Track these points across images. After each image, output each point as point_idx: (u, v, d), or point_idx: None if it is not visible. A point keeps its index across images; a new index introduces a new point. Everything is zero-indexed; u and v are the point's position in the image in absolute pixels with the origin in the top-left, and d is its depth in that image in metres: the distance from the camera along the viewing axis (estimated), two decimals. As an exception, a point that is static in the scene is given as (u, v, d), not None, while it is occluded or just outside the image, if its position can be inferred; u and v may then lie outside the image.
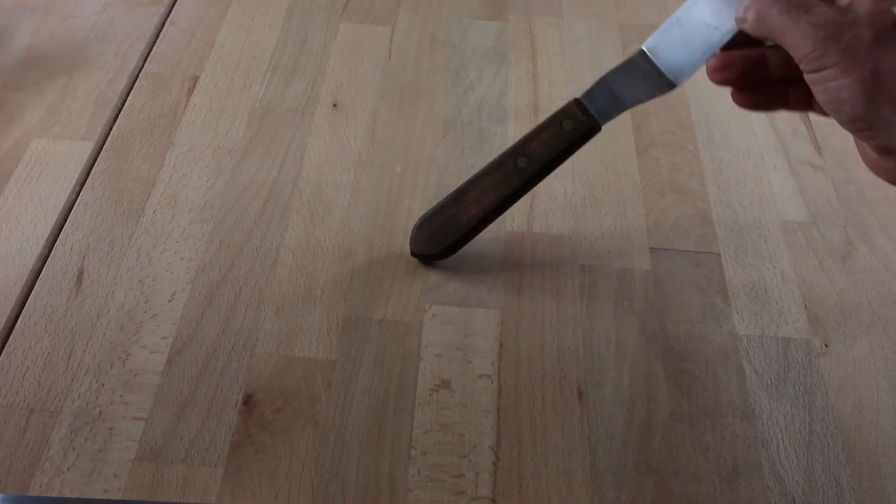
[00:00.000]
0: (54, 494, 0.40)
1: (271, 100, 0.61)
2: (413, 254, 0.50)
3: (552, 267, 0.51)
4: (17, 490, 0.40)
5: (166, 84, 0.61)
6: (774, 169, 0.58)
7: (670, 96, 0.62)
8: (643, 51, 0.43)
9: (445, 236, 0.49)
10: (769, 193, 0.56)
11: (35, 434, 0.42)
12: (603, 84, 0.45)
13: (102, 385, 0.44)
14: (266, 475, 0.41)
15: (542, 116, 0.61)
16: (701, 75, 0.65)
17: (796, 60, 0.36)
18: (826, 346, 0.48)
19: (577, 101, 0.46)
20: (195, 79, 0.62)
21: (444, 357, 0.46)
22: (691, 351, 0.47)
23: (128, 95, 0.60)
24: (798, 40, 0.35)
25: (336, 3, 0.70)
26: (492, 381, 0.45)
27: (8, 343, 0.45)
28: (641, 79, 0.44)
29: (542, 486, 0.41)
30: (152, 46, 0.65)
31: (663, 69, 0.43)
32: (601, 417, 0.44)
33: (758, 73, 0.40)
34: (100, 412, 0.43)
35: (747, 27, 0.38)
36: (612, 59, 0.66)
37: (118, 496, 0.40)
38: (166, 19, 0.67)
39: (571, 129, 0.46)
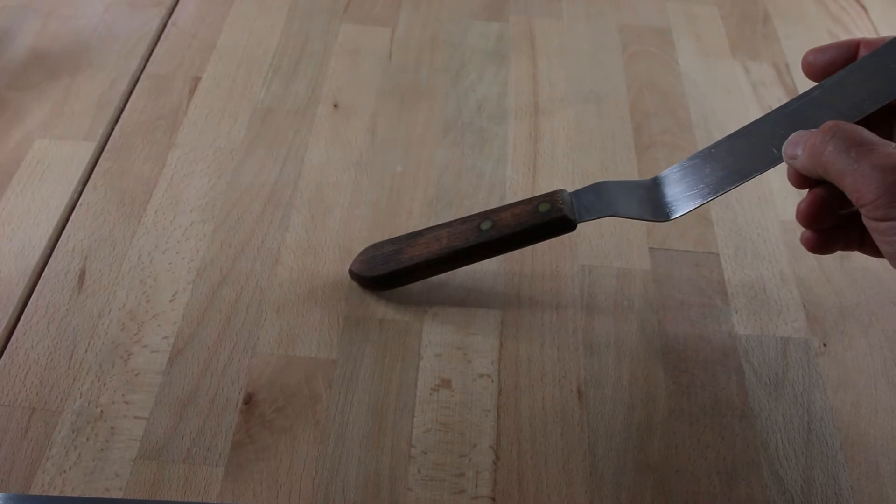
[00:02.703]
0: (56, 493, 0.40)
1: (272, 100, 0.61)
2: (350, 273, 0.49)
3: (552, 267, 0.51)
4: (19, 489, 0.40)
5: (168, 85, 0.62)
6: (773, 169, 0.58)
7: (670, 97, 0.63)
8: (658, 177, 0.43)
9: (382, 265, 0.48)
10: (768, 193, 0.56)
11: (37, 433, 0.42)
12: (599, 187, 0.45)
13: (104, 384, 0.44)
14: (267, 474, 0.41)
15: (542, 117, 0.61)
16: (701, 75, 0.65)
17: (856, 205, 0.32)
18: (825, 345, 0.48)
19: (564, 192, 0.45)
20: (196, 80, 0.62)
21: (444, 356, 0.46)
22: (690, 350, 0.47)
23: (129, 96, 0.61)
24: (860, 184, 0.32)
25: (337, 4, 0.70)
26: (492, 381, 0.45)
27: (10, 342, 0.46)
28: (639, 199, 0.43)
29: (542, 485, 0.41)
30: (154, 47, 0.65)
31: (664, 200, 0.42)
32: (601, 417, 0.44)
33: (833, 211, 0.37)
34: (101, 411, 0.43)
35: (798, 164, 0.35)
36: (612, 59, 0.66)
37: (119, 495, 0.40)
38: (168, 20, 0.67)
39: (545, 212, 0.44)
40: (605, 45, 0.68)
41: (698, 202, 0.41)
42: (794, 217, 0.54)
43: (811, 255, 0.52)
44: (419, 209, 0.54)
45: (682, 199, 0.42)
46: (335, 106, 0.61)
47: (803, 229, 0.38)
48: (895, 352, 0.48)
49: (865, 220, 0.33)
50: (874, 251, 0.36)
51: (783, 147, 0.37)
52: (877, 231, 0.32)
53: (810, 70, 0.39)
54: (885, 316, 0.49)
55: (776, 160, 0.39)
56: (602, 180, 0.45)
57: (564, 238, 0.52)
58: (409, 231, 0.49)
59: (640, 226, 0.53)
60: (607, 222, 0.53)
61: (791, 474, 0.42)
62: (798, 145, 0.35)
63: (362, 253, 0.49)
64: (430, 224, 0.51)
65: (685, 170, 0.42)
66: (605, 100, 0.63)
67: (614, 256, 0.52)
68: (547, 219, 0.44)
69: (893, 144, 0.32)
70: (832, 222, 0.37)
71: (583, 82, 0.64)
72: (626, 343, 0.47)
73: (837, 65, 0.38)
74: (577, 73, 0.65)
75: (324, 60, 0.64)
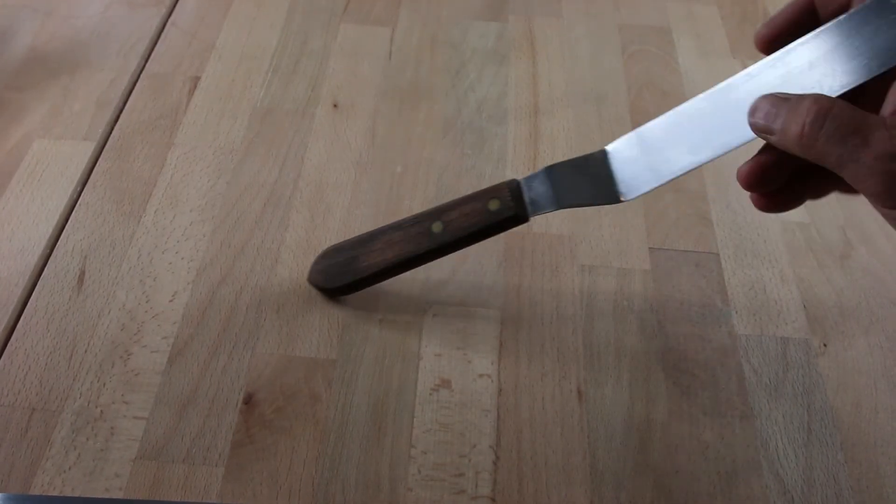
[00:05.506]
0: (56, 493, 0.40)
1: (272, 100, 0.61)
2: (309, 282, 0.49)
3: (552, 267, 0.51)
4: (19, 489, 0.40)
5: (167, 85, 0.61)
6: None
7: (670, 97, 0.63)
8: (605, 151, 0.40)
9: (340, 275, 0.47)
10: (768, 194, 0.56)
11: (37, 433, 0.42)
12: (548, 173, 0.42)
13: (104, 384, 0.44)
14: (267, 474, 0.41)
15: (542, 117, 0.61)
16: (701, 75, 0.65)
17: (858, 190, 0.31)
18: (825, 345, 0.48)
19: (513, 183, 0.43)
20: (196, 79, 0.62)
21: (444, 357, 0.46)
22: (690, 350, 0.47)
23: (129, 96, 0.61)
24: (863, 176, 0.30)
25: (336, 4, 0.70)
26: (492, 381, 0.45)
27: (10, 343, 0.46)
28: (590, 180, 0.40)
29: (542, 486, 0.41)
30: (153, 47, 0.65)
31: (617, 178, 0.39)
32: (601, 417, 0.44)
33: (781, 175, 0.35)
34: (101, 411, 0.43)
35: (777, 142, 0.33)
36: (612, 59, 0.66)
37: (119, 495, 0.40)
38: (167, 20, 0.67)
39: (496, 210, 0.43)
40: (605, 45, 0.68)
41: (657, 182, 0.38)
42: (794, 217, 0.55)
43: (811, 255, 0.52)
44: (419, 209, 0.53)
45: (638, 176, 0.39)
46: (335, 106, 0.61)
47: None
48: (895, 352, 0.48)
49: (875, 207, 0.31)
50: (846, 189, 0.34)
51: (748, 114, 0.34)
52: (890, 217, 0.31)
53: (765, 42, 0.36)
54: (885, 316, 0.49)
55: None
56: (550, 164, 0.42)
57: (564, 238, 0.52)
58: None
59: (640, 226, 0.53)
60: (607, 222, 0.53)
61: (791, 474, 0.42)
62: (775, 117, 0.32)
63: (317, 262, 0.49)
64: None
65: (643, 141, 0.38)
66: (605, 100, 0.63)
67: (614, 256, 0.52)
68: (497, 219, 0.43)
69: (883, 120, 0.31)
70: (780, 185, 0.36)
71: (583, 82, 0.64)
72: (626, 343, 0.47)
73: (794, 26, 0.35)
74: (577, 73, 0.65)
75: (323, 60, 0.64)
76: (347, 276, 0.47)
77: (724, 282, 0.51)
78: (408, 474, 0.42)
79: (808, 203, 0.55)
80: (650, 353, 0.47)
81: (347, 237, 0.52)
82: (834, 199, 0.56)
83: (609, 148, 0.40)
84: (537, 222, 0.53)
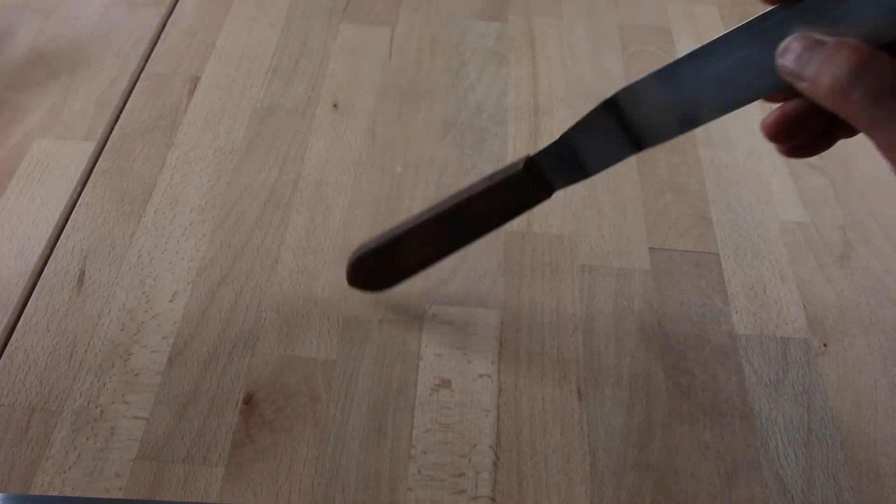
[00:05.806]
0: (56, 493, 0.40)
1: (272, 100, 0.61)
2: (352, 286, 0.49)
3: (552, 267, 0.51)
4: (19, 489, 0.40)
5: (167, 85, 0.62)
6: (773, 169, 0.58)
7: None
8: (615, 100, 0.35)
9: (380, 279, 0.48)
10: (768, 194, 0.56)
11: (37, 433, 0.42)
12: (564, 142, 0.38)
13: (104, 384, 0.44)
14: (267, 474, 0.41)
15: (542, 117, 0.61)
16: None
17: (884, 157, 0.28)
18: (825, 345, 0.48)
19: (529, 162, 0.40)
20: (196, 79, 0.62)
21: (444, 356, 0.46)
22: (690, 350, 0.47)
23: (129, 96, 0.61)
24: (894, 146, 0.27)
25: (336, 4, 0.70)
26: (492, 381, 0.45)
27: (10, 343, 0.46)
28: (606, 136, 0.36)
29: (542, 485, 0.41)
30: (153, 47, 0.65)
31: (635, 126, 0.35)
32: (600, 417, 0.44)
33: (812, 127, 0.32)
34: (101, 411, 0.43)
35: (807, 89, 0.29)
36: (612, 59, 0.66)
37: (119, 495, 0.40)
38: (167, 20, 0.67)
39: (521, 200, 0.42)
40: (605, 45, 0.68)
41: (674, 133, 0.35)
42: (794, 217, 0.55)
43: (811, 254, 0.52)
44: (419, 209, 0.53)
45: (655, 124, 0.35)
46: (335, 106, 0.61)
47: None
48: (895, 352, 0.48)
49: None
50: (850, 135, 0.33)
51: (777, 54, 0.30)
52: None
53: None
54: (886, 316, 0.49)
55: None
56: (564, 132, 0.38)
57: (564, 238, 0.52)
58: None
59: (640, 226, 0.53)
60: (607, 222, 0.53)
61: (791, 474, 0.42)
62: (807, 62, 0.29)
63: (353, 267, 0.47)
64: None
65: (661, 82, 0.35)
66: (605, 100, 0.62)
67: (614, 256, 0.52)
68: (524, 207, 0.42)
69: None
70: (810, 137, 0.33)
71: (583, 82, 0.64)
72: (626, 343, 0.47)
73: None
74: (577, 72, 0.65)
75: (323, 60, 0.64)
76: (387, 279, 0.48)
77: (724, 282, 0.51)
78: (408, 474, 0.42)
79: (808, 203, 0.55)
80: (650, 353, 0.47)
81: (347, 237, 0.52)
82: (834, 199, 0.56)
83: (618, 94, 0.36)
84: (537, 222, 0.53)
